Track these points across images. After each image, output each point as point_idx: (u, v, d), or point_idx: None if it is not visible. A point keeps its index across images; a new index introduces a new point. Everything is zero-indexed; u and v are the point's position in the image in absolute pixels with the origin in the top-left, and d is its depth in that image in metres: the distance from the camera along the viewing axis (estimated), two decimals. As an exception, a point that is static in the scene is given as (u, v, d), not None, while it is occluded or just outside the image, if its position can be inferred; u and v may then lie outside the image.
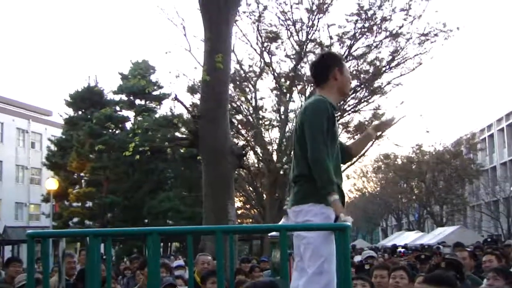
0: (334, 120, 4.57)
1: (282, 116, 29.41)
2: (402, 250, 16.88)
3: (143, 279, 7.72)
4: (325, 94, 4.74)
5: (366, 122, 31.79)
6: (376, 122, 5.27)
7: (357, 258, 13.60)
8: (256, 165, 32.88)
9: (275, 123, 29.87)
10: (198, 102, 16.93)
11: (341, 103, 28.90)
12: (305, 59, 27.18)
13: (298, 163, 4.62)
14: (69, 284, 6.89)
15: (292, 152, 4.85)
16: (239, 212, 38.82)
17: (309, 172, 4.46)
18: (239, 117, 30.83)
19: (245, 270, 10.02)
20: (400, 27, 27.07)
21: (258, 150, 30.21)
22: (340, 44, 27.66)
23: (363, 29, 27.30)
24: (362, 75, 28.88)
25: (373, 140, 5.40)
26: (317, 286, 4.24)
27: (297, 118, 4.83)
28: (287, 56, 28.27)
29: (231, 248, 3.87)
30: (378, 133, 5.26)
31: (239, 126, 30.52)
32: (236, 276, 8.20)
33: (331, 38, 27.26)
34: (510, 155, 56.28)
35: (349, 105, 29.85)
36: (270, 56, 28.50)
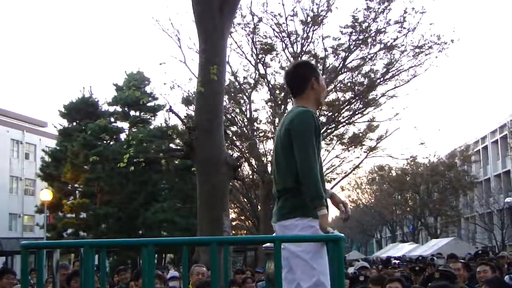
0: (319, 132, 4.50)
1: (277, 128, 29.45)
2: (397, 262, 16.85)
3: (137, 290, 7.71)
4: (304, 104, 4.67)
5: (361, 134, 31.86)
6: (338, 200, 4.93)
7: (350, 270, 13.59)
8: (251, 177, 32.89)
9: (269, 134, 29.88)
10: (193, 114, 16.96)
11: (335, 114, 28.99)
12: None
13: (282, 176, 4.54)
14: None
15: (274, 165, 4.73)
16: (233, 223, 38.79)
17: (295, 186, 4.41)
18: (234, 128, 30.86)
19: (239, 281, 10.02)
20: (395, 40, 27.21)
21: (253, 161, 30.23)
22: (334, 56, 27.78)
23: (357, 41, 27.41)
24: (356, 87, 28.97)
25: None
26: None
27: (280, 131, 4.70)
28: (281, 68, 28.34)
29: (226, 259, 3.87)
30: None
31: (234, 137, 30.54)
32: (231, 287, 8.21)
33: (325, 50, 27.37)
34: (504, 167, 56.39)
35: (343, 117, 29.93)
36: (265, 67, 28.57)
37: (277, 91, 28.73)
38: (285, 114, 4.86)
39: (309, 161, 4.33)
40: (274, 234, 4.51)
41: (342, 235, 3.76)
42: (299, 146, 4.39)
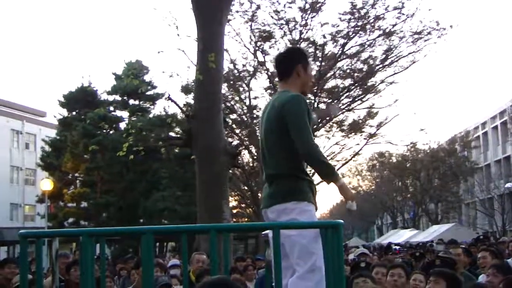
0: (310, 117, 4.47)
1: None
2: (397, 248, 16.93)
3: (138, 278, 7.72)
4: (290, 89, 4.63)
5: (360, 121, 31.87)
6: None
7: (350, 256, 13.62)
8: (251, 165, 32.90)
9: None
10: (192, 102, 16.93)
11: (335, 101, 28.96)
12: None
13: (274, 161, 4.52)
14: (63, 285, 6.88)
15: (264, 150, 4.69)
16: (234, 211, 38.86)
17: (290, 170, 4.41)
18: (233, 116, 30.86)
19: (240, 268, 10.04)
20: (394, 26, 27.16)
21: (253, 149, 30.22)
22: (333, 43, 27.72)
23: (356, 28, 27.34)
24: (355, 74, 28.95)
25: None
26: (310, 283, 4.21)
27: (268, 115, 4.64)
28: (280, 55, 28.26)
29: (226, 247, 3.86)
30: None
31: (233, 125, 30.55)
32: (231, 275, 8.22)
33: (324, 37, 27.32)
34: (504, 153, 56.39)
35: (343, 104, 29.89)
36: (263, 55, 28.53)
37: (276, 79, 28.66)
38: (272, 98, 4.82)
39: (308, 141, 4.32)
40: (266, 221, 4.51)
41: (341, 221, 3.75)
42: (296, 129, 4.36)
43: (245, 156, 32.41)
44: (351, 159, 34.92)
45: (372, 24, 27.34)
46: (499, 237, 28.25)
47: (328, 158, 32.46)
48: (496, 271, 6.09)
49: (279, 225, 3.78)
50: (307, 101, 4.61)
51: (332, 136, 32.05)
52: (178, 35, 20.86)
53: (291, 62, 4.70)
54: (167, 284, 7.00)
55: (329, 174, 4.35)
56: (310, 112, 4.46)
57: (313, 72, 4.84)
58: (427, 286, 5.64)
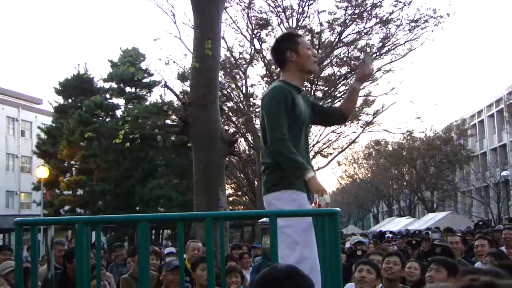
0: (293, 104, 4.43)
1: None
2: (390, 235, 16.92)
3: (134, 265, 7.72)
4: (286, 77, 4.65)
5: (357, 109, 31.87)
6: (357, 74, 5.10)
7: (346, 245, 13.65)
8: (247, 152, 32.92)
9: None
10: (189, 89, 16.88)
11: (331, 89, 28.94)
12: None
13: (265, 151, 4.54)
14: (59, 273, 6.86)
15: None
16: (230, 199, 38.93)
17: (274, 160, 4.40)
18: (230, 104, 30.83)
19: (236, 256, 10.04)
20: (391, 14, 27.10)
21: (249, 137, 30.23)
22: (330, 31, 27.69)
23: (353, 16, 27.30)
24: (352, 62, 28.89)
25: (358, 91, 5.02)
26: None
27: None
28: (277, 43, 28.23)
29: (221, 234, 3.85)
30: (362, 84, 5.10)
31: (230, 113, 30.53)
32: (227, 262, 8.22)
33: (321, 24, 27.27)
34: (500, 141, 56.47)
35: (339, 92, 29.89)
36: (260, 43, 28.49)
37: (273, 66, 28.64)
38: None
39: (277, 136, 4.31)
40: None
41: (338, 209, 3.73)
42: (268, 124, 4.41)
43: (242, 144, 32.45)
44: (347, 147, 35.00)
45: (369, 12, 27.30)
46: (494, 225, 28.34)
47: (324, 146, 32.51)
48: (494, 259, 6.10)
49: (276, 213, 3.76)
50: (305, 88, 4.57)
51: (329, 123, 31.99)
52: (175, 22, 20.83)
53: (280, 51, 4.71)
54: (177, 266, 6.88)
55: (295, 169, 4.29)
56: (290, 102, 4.41)
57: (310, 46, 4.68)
58: (427, 273, 5.63)
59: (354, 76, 4.78)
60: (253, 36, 28.23)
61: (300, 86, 4.71)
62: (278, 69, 4.90)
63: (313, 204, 4.43)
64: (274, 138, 4.33)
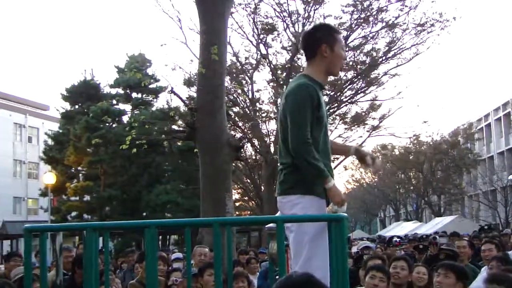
0: (319, 104, 4.22)
1: (279, 108, 29.43)
2: (398, 239, 16.90)
3: (141, 271, 7.74)
4: (312, 72, 4.40)
5: (363, 113, 31.85)
6: (365, 152, 4.83)
7: (353, 249, 13.65)
8: (254, 157, 32.90)
9: (272, 115, 29.86)
10: (195, 95, 16.90)
11: (338, 94, 28.94)
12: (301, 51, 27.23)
13: (283, 150, 4.32)
14: (67, 278, 6.90)
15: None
16: (237, 204, 38.87)
17: (294, 161, 4.20)
18: (236, 109, 30.84)
19: (243, 261, 10.05)
20: (397, 18, 27.09)
21: (256, 142, 30.21)
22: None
23: (359, 20, 27.30)
24: (358, 66, 28.89)
25: (346, 157, 4.87)
26: None
27: (281, 102, 4.46)
28: (283, 48, 28.27)
29: (229, 240, 3.87)
30: (354, 159, 4.82)
31: (236, 118, 30.52)
32: (234, 268, 8.24)
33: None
34: (507, 145, 56.31)
35: (345, 96, 29.91)
36: (266, 48, 28.50)
37: (279, 71, 28.68)
38: (290, 83, 4.57)
39: (301, 139, 4.11)
40: (278, 213, 4.43)
41: (345, 214, 3.74)
42: (290, 127, 4.18)
43: (248, 149, 32.44)
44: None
45: (375, 16, 27.29)
46: (502, 229, 28.27)
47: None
48: (501, 263, 6.09)
49: (282, 219, 3.77)
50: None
51: (335, 128, 32.05)
52: (181, 28, 20.83)
53: (315, 42, 4.41)
54: (194, 274, 6.89)
55: (315, 176, 4.13)
56: (316, 102, 4.21)
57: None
58: (435, 279, 5.63)
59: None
60: (259, 41, 28.25)
61: (324, 84, 4.49)
62: (305, 58, 4.59)
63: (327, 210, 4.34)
64: (296, 140, 4.12)
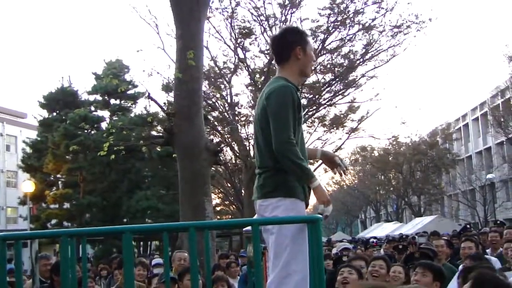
0: (299, 106, 4.27)
1: (256, 110, 29.44)
2: (374, 240, 17.04)
3: (121, 278, 7.71)
4: (287, 74, 4.42)
5: (342, 116, 31.97)
6: (332, 154, 4.84)
7: (334, 251, 13.68)
8: (234, 161, 32.91)
9: (251, 119, 29.89)
10: (172, 100, 16.87)
11: (316, 96, 29.04)
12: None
13: (261, 153, 4.33)
14: (45, 286, 6.85)
15: (254, 140, 4.50)
16: (217, 208, 38.85)
17: (275, 164, 4.20)
18: (215, 113, 30.84)
19: (223, 265, 10.06)
20: (373, 20, 27.29)
21: (235, 146, 30.23)
22: (313, 38, 27.75)
23: (336, 23, 27.45)
24: (336, 69, 29.04)
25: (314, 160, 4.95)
26: (287, 287, 4.04)
27: (258, 103, 4.46)
28: (261, 51, 28.36)
29: (207, 244, 3.86)
30: (321, 161, 4.81)
31: (215, 122, 30.53)
32: (214, 272, 8.23)
33: (304, 32, 27.33)
34: (485, 144, 56.83)
35: (324, 99, 30.03)
36: (244, 52, 28.57)
37: (257, 75, 28.73)
38: (266, 85, 4.57)
39: (286, 140, 4.11)
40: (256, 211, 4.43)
41: (320, 215, 3.76)
42: (274, 126, 4.17)
43: (228, 153, 32.44)
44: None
45: (352, 19, 27.46)
46: (481, 228, 28.49)
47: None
48: (474, 261, 6.16)
49: (258, 222, 3.78)
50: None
51: (314, 131, 32.16)
52: (158, 33, 20.88)
53: (288, 45, 4.44)
54: (172, 278, 6.83)
55: (302, 176, 4.15)
56: (297, 103, 4.25)
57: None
58: (412, 277, 5.68)
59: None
60: (237, 45, 28.29)
61: (298, 86, 4.50)
62: (276, 61, 4.61)
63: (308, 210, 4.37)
64: (281, 141, 4.11)
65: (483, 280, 3.13)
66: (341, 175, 4.84)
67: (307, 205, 4.32)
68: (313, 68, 4.84)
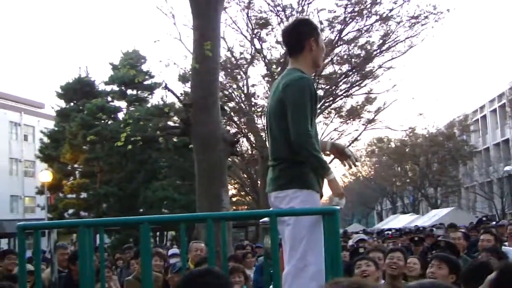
0: (316, 98, 4.32)
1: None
2: (389, 232, 16.97)
3: (138, 267, 7.75)
4: (301, 66, 4.44)
5: (358, 107, 31.89)
6: (342, 145, 4.87)
7: (350, 242, 13.68)
8: (250, 152, 32.93)
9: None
10: (189, 91, 16.90)
11: (333, 87, 28.95)
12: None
13: (277, 144, 4.35)
14: (62, 276, 6.90)
15: (268, 132, 4.54)
16: (233, 199, 38.92)
17: (291, 155, 4.22)
18: (231, 104, 30.84)
19: (239, 256, 10.07)
20: (390, 10, 27.10)
21: (251, 137, 30.23)
22: (330, 29, 27.67)
23: (353, 13, 27.29)
24: (353, 60, 28.91)
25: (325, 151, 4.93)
26: (302, 280, 4.07)
27: (273, 94, 4.49)
28: (277, 42, 28.26)
29: (224, 235, 3.87)
30: (332, 153, 4.81)
31: (232, 113, 30.53)
32: (230, 262, 8.25)
33: (321, 23, 27.23)
34: (503, 136, 56.42)
35: (341, 90, 29.92)
36: (260, 42, 28.48)
37: (274, 66, 28.68)
38: (279, 77, 4.60)
39: (303, 131, 4.14)
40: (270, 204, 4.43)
41: (337, 207, 3.75)
42: (293, 117, 4.19)
43: (244, 144, 32.46)
44: (349, 145, 34.92)
45: (369, 9, 27.30)
46: (498, 220, 28.34)
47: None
48: (490, 254, 6.11)
49: (275, 213, 3.78)
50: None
51: (331, 122, 32.13)
52: (174, 24, 20.88)
53: (302, 36, 4.46)
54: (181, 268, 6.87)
55: (318, 168, 4.18)
56: (314, 95, 4.28)
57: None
58: (428, 269, 5.65)
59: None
60: (253, 35, 28.23)
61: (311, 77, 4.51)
62: (289, 53, 4.63)
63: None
64: (299, 133, 4.14)
65: (509, 271, 3.11)
66: (351, 167, 4.83)
67: (321, 196, 4.34)
68: (328, 59, 4.90)
